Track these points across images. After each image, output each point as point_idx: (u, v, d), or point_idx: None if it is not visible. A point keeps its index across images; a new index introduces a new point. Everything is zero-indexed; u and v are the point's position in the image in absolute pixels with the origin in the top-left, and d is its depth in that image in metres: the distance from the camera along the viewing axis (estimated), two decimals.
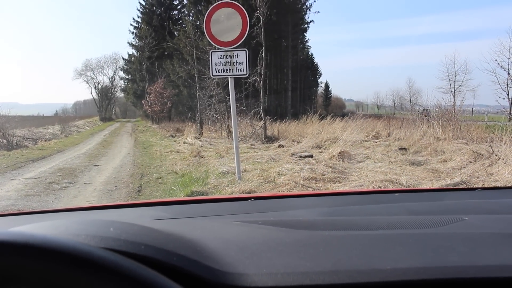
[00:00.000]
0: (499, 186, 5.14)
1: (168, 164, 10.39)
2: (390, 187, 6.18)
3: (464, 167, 7.63)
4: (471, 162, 8.16)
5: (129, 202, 1.34)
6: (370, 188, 5.77)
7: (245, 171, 7.73)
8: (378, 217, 1.17)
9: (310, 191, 4.90)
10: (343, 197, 1.47)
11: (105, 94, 59.51)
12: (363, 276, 0.74)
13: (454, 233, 0.99)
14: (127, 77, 48.94)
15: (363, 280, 0.73)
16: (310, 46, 51.90)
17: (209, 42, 6.88)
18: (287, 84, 39.69)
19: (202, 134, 18.14)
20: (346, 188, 6.35)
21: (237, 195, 2.69)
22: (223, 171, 7.95)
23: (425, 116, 14.34)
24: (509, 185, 5.96)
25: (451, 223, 1.07)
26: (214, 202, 1.37)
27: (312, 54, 53.12)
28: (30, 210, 1.55)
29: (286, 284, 0.72)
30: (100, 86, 59.90)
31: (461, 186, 5.92)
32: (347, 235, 0.97)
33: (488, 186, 3.66)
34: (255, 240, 0.93)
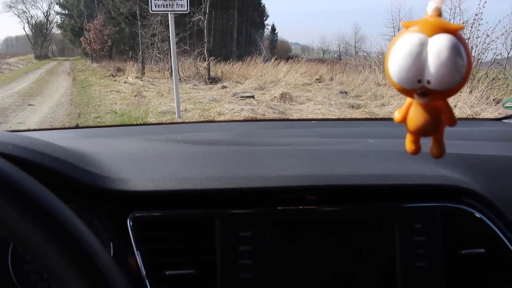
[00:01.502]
0: None
1: (107, 104, 10.09)
2: None
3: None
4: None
5: (47, 127, 1.30)
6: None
7: (185, 110, 7.67)
8: (285, 138, 1.20)
9: (233, 119, 4.96)
10: (262, 123, 1.50)
11: (39, 30, 55.59)
12: (246, 182, 0.76)
13: (351, 150, 1.03)
14: (63, 12, 45.89)
15: (245, 185, 0.76)
16: None
17: None
18: (233, 25, 38.84)
19: (144, 74, 17.63)
20: None
21: (161, 122, 2.68)
22: (163, 110, 7.85)
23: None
24: None
25: (353, 143, 1.12)
26: (129, 126, 1.36)
27: None
28: None
29: (166, 188, 0.74)
30: (33, 21, 55.94)
31: None
32: (244, 149, 0.99)
33: None
34: (150, 153, 0.94)
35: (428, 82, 0.41)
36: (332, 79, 15.45)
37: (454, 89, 0.42)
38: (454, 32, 0.40)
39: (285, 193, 0.78)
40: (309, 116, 7.43)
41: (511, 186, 0.92)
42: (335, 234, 0.79)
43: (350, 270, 0.79)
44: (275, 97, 9.36)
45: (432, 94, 0.43)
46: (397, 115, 0.48)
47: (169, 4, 6.47)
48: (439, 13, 0.42)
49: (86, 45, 30.69)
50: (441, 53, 0.39)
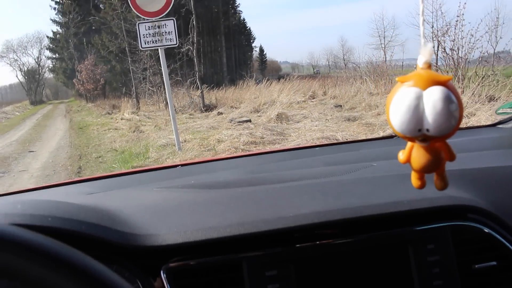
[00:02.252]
0: None
1: (107, 142, 10.15)
2: None
3: None
4: None
5: (59, 182, 1.34)
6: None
7: (185, 141, 7.73)
8: (294, 171, 1.25)
9: (237, 154, 5.01)
10: (266, 156, 1.55)
11: (32, 76, 56.08)
12: (267, 225, 0.82)
13: (359, 178, 1.08)
14: (54, 56, 46.42)
15: (267, 228, 0.81)
16: (241, 11, 51.35)
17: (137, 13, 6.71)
18: (221, 51, 39.26)
19: (139, 108, 17.76)
20: None
21: (165, 164, 2.73)
22: (162, 143, 7.91)
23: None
24: None
25: (359, 170, 1.17)
26: (141, 173, 1.41)
27: (244, 19, 52.56)
28: None
29: (195, 239, 0.79)
30: (26, 68, 56.45)
31: None
32: (258, 190, 1.04)
33: None
34: (170, 203, 0.99)
35: (427, 130, 0.46)
36: (325, 94, 15.60)
37: (451, 132, 0.47)
38: (444, 83, 0.46)
39: (304, 231, 0.83)
40: (307, 134, 7.49)
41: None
42: (353, 263, 0.83)
43: None
44: (272, 118, 9.45)
45: (432, 139, 0.48)
46: (401, 156, 0.54)
47: (159, 40, 6.59)
48: (429, 65, 0.48)
49: (80, 86, 30.91)
50: (436, 104, 0.45)
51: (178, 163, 1.47)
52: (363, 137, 6.96)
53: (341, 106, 11.58)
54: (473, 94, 8.94)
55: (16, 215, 0.69)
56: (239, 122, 9.57)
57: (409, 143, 0.52)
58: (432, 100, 0.45)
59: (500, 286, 0.87)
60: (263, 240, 0.82)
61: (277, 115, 9.49)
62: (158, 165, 1.62)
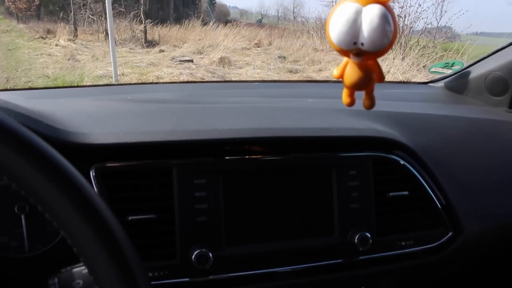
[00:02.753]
0: None
1: (38, 68, 9.58)
2: None
3: None
4: None
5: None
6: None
7: (123, 75, 7.50)
8: (232, 98, 1.28)
9: (178, 81, 4.96)
10: (205, 84, 1.56)
11: None
12: (200, 134, 0.84)
13: (293, 107, 1.14)
14: None
15: (199, 137, 0.84)
16: None
17: None
18: None
19: (76, 36, 16.82)
20: None
21: (106, 83, 2.67)
22: (99, 74, 7.63)
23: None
24: None
25: (294, 101, 1.22)
26: (77, 87, 1.38)
27: None
28: None
29: (126, 141, 0.80)
30: None
31: None
32: (195, 107, 1.07)
33: None
34: (105, 111, 0.99)
35: (362, 44, 0.49)
36: (270, 44, 15.53)
37: (383, 51, 0.51)
38: (384, 3, 0.49)
39: (236, 144, 0.86)
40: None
41: (432, 139, 1.08)
42: (279, 181, 0.89)
43: (293, 212, 0.90)
44: (214, 61, 9.32)
45: (365, 54, 0.52)
46: (335, 72, 0.58)
47: None
48: None
49: (10, 3, 28.66)
50: (373, 20, 0.48)
51: (119, 83, 1.44)
52: None
53: (285, 57, 11.60)
54: (412, 62, 9.29)
55: None
56: (181, 61, 9.36)
57: (344, 60, 0.56)
58: (370, 16, 0.48)
59: (408, 213, 0.98)
60: (194, 150, 0.84)
61: (220, 58, 9.38)
62: (95, 83, 1.58)
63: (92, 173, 0.78)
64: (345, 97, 0.59)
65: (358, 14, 0.48)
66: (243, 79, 7.67)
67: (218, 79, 7.39)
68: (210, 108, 1.07)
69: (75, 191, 0.41)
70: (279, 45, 15.00)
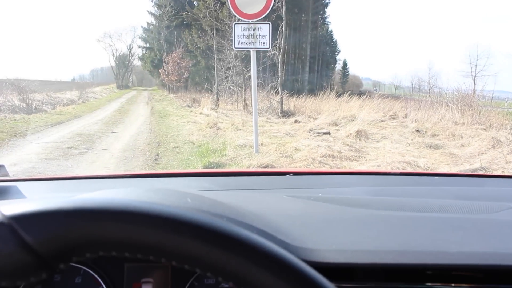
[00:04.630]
0: None
1: (184, 134, 10.43)
2: (408, 169, 6.17)
3: (482, 154, 7.56)
4: (489, 148, 8.07)
5: (166, 171, 1.34)
6: (402, 170, 5.72)
7: (262, 144, 7.76)
8: (427, 199, 1.16)
9: (347, 170, 4.85)
10: (382, 177, 1.47)
11: (122, 61, 59.38)
12: (430, 258, 0.74)
13: (507, 221, 0.98)
14: (145, 45, 48.76)
15: (430, 261, 0.73)
16: (330, 22, 51.11)
17: (229, 13, 6.86)
18: (305, 60, 39.29)
19: (218, 105, 18.13)
20: (364, 168, 6.35)
21: (273, 170, 2.70)
22: (240, 143, 7.99)
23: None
24: None
25: (500, 211, 1.05)
26: (252, 176, 1.38)
27: (331, 31, 52.25)
28: (69, 175, 1.58)
29: (356, 261, 0.72)
30: (118, 54, 59.79)
31: (481, 173, 5.88)
32: (404, 216, 0.96)
33: None
34: (314, 216, 0.93)
35: None
36: (406, 116, 15.07)
37: None
38: None
39: (460, 271, 0.75)
40: (387, 155, 7.24)
41: None
42: None
43: None
44: (351, 134, 9.26)
45: None
46: None
47: (252, 42, 6.68)
48: None
49: (164, 76, 32.19)
50: None
51: (287, 171, 1.42)
52: (447, 167, 6.62)
53: (422, 131, 11.12)
54: None
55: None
56: (318, 133, 9.47)
57: None
58: None
59: None
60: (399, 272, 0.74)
61: (357, 131, 9.29)
62: (265, 170, 1.59)
63: None
64: None
65: None
66: (381, 154, 7.44)
67: (355, 153, 7.27)
68: (419, 218, 0.95)
69: None
70: (416, 117, 14.47)
